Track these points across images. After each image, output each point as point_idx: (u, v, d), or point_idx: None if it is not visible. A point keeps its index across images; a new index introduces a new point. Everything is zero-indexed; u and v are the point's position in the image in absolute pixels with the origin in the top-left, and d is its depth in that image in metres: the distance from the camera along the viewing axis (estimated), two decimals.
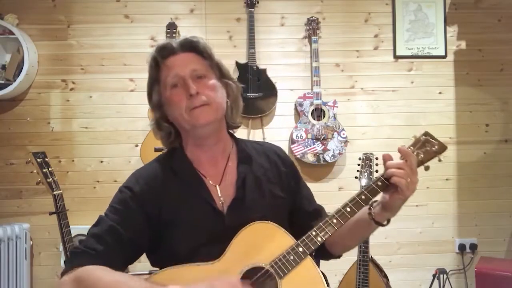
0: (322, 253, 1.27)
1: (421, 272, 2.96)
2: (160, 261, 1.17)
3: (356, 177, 2.37)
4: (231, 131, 1.30)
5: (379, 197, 1.15)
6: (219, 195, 1.17)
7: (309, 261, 1.09)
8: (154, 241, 1.14)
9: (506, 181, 3.06)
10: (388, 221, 1.16)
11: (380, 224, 1.15)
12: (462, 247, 3.02)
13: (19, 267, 2.72)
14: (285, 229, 1.13)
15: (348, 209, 1.12)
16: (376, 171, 2.34)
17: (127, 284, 0.99)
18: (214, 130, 1.19)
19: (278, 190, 1.24)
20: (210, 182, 1.19)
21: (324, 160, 2.85)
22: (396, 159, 1.17)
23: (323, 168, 2.98)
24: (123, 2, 3.00)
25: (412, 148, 1.22)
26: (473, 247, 3.02)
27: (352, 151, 2.93)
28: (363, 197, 1.14)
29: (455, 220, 3.06)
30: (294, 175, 1.31)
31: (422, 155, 1.21)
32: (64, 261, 1.10)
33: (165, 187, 1.16)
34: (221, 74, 1.22)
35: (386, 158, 1.17)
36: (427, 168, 1.20)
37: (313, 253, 1.14)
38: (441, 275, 2.74)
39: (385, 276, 2.38)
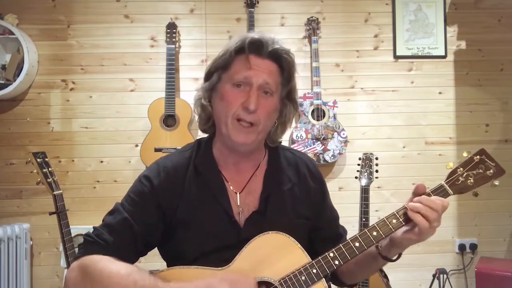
0: (334, 278, 1.22)
1: (421, 272, 2.96)
2: (169, 257, 1.16)
3: (356, 177, 2.37)
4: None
5: None
6: (238, 203, 1.12)
7: (321, 285, 1.02)
8: (166, 237, 1.12)
9: (506, 181, 3.03)
10: (399, 255, 1.06)
11: (388, 259, 1.06)
12: (462, 247, 3.02)
13: (19, 267, 2.71)
14: (301, 245, 1.06)
15: (375, 233, 1.02)
16: (376, 171, 2.34)
17: (131, 277, 0.96)
18: (248, 149, 1.13)
19: (303, 208, 1.16)
20: (231, 188, 1.14)
21: (324, 160, 2.85)
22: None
23: (323, 168, 2.98)
24: (123, 2, 3.00)
25: (461, 169, 1.05)
26: (473, 247, 3.02)
27: (352, 151, 2.93)
28: (394, 221, 1.02)
29: (455, 220, 3.06)
30: (322, 193, 1.23)
31: (472, 179, 1.04)
32: (78, 245, 1.09)
33: (185, 185, 1.11)
34: (288, 95, 1.16)
35: (420, 190, 1.03)
36: (476, 194, 1.05)
37: (328, 276, 1.06)
38: (441, 275, 2.73)
39: (385, 276, 2.37)
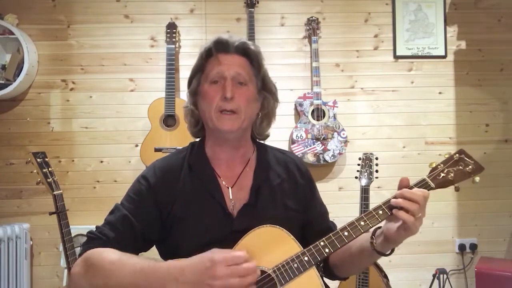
0: (328, 272, 1.27)
1: (421, 272, 2.96)
2: (166, 254, 1.19)
3: (356, 177, 2.37)
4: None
5: (382, 223, 1.09)
6: (231, 197, 1.18)
7: (313, 272, 1.06)
8: (163, 233, 1.17)
9: (506, 181, 3.06)
10: (392, 250, 1.11)
11: (382, 254, 1.11)
12: (462, 247, 3.02)
13: (19, 267, 2.71)
14: (294, 237, 1.10)
15: (362, 223, 1.08)
16: (376, 171, 2.35)
17: (130, 260, 1.01)
18: (235, 138, 1.20)
19: (292, 203, 1.22)
20: (224, 183, 1.20)
21: (324, 160, 2.85)
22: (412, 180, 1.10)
23: (323, 168, 2.98)
24: (123, 2, 3.00)
25: (442, 165, 1.13)
26: (473, 247, 3.02)
27: (352, 151, 2.93)
28: (380, 212, 1.08)
29: (455, 220, 3.06)
30: (310, 190, 1.29)
31: (452, 175, 1.11)
32: (81, 244, 1.15)
33: (180, 182, 1.18)
34: (263, 85, 1.24)
35: (403, 183, 1.09)
36: (457, 189, 1.11)
37: (321, 264, 1.10)
38: (441, 275, 2.73)
39: (385, 276, 2.38)
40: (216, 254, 0.96)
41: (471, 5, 3.12)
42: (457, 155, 1.13)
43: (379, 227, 1.10)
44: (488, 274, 2.50)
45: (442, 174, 1.11)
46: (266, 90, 1.25)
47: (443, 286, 2.74)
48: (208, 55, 1.20)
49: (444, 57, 3.08)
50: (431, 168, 1.13)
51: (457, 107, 3.08)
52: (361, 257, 1.16)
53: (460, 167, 1.12)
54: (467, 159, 1.13)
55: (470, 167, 1.11)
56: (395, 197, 1.06)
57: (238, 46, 1.19)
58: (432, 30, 3.08)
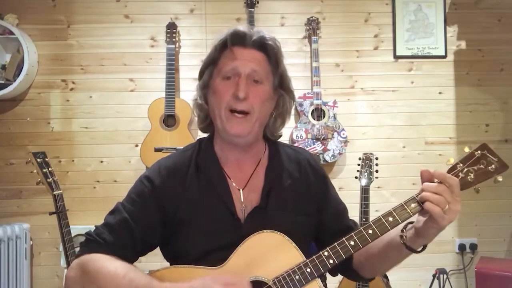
0: (350, 273, 1.18)
1: (421, 272, 2.95)
2: (171, 257, 1.15)
3: (356, 177, 2.37)
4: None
5: (414, 218, 0.99)
6: (242, 200, 1.11)
7: (315, 284, 1.00)
8: (167, 237, 1.11)
9: (506, 181, 3.03)
10: (424, 247, 1.02)
11: (412, 250, 1.01)
12: (462, 247, 3.02)
13: (19, 267, 2.71)
14: (296, 244, 1.04)
15: (370, 232, 1.00)
16: (376, 171, 2.34)
17: (126, 276, 0.97)
18: (245, 141, 1.13)
19: (304, 204, 1.16)
20: (234, 184, 1.13)
21: (324, 160, 2.85)
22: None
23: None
24: (123, 2, 3.00)
25: (461, 165, 0.99)
26: (473, 247, 3.02)
27: (352, 151, 2.93)
28: (390, 219, 0.98)
29: (455, 220, 3.04)
30: (324, 187, 1.22)
31: (472, 175, 0.98)
32: (80, 244, 1.10)
33: (186, 183, 1.11)
34: (280, 83, 1.16)
35: (424, 175, 0.98)
36: (477, 191, 1.00)
37: (324, 274, 1.05)
38: (441, 275, 2.73)
39: (385, 276, 2.38)
40: (216, 284, 0.92)
41: (471, 5, 3.11)
42: (479, 151, 0.99)
43: (411, 222, 1.01)
44: (488, 274, 2.49)
45: (461, 175, 0.99)
46: (283, 88, 1.17)
47: (443, 286, 2.73)
48: (223, 47, 1.11)
49: (444, 57, 3.08)
50: (449, 167, 1.01)
51: (457, 107, 3.08)
52: (388, 253, 1.07)
53: (482, 166, 0.98)
54: (489, 155, 0.98)
55: (493, 165, 0.98)
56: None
57: (255, 40, 1.10)
58: (432, 30, 3.08)
